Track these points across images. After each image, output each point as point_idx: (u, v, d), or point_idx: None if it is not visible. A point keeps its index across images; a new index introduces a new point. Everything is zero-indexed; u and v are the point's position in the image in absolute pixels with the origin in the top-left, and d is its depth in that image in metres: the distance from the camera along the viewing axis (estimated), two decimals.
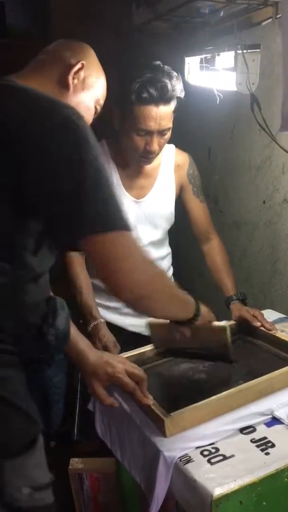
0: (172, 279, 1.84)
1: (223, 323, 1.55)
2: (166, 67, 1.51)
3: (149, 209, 1.70)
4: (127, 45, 2.34)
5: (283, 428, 1.14)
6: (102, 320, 1.60)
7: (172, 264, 1.86)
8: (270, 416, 1.17)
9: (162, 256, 1.79)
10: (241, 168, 2.14)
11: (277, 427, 1.14)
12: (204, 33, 2.07)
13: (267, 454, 1.06)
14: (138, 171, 1.67)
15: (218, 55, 1.68)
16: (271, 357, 1.41)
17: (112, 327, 1.65)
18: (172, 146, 1.74)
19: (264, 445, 1.08)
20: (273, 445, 1.08)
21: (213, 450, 1.08)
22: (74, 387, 1.65)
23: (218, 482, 0.99)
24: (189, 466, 1.04)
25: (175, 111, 1.54)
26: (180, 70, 1.64)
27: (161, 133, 1.53)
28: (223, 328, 1.35)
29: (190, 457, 1.07)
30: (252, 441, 1.10)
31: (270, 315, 1.67)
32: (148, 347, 1.48)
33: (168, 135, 1.57)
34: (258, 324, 1.52)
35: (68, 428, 1.67)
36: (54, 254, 1.04)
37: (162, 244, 1.79)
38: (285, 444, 1.08)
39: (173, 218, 1.77)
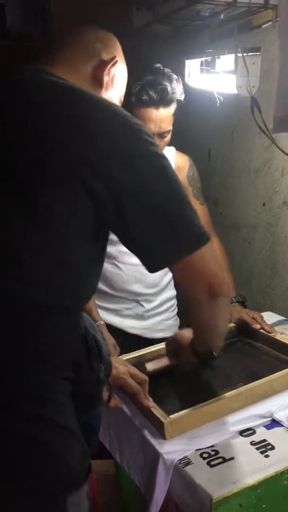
0: (172, 281, 1.84)
1: None
2: (166, 69, 1.51)
3: None
4: (127, 48, 2.34)
5: (282, 430, 1.14)
6: (102, 322, 1.60)
7: None
8: (270, 419, 1.17)
9: None
10: (241, 171, 2.14)
11: (277, 429, 1.14)
12: (205, 36, 2.07)
13: (266, 456, 1.06)
14: None
15: (219, 58, 1.68)
16: (270, 360, 1.41)
17: (112, 329, 1.65)
18: (172, 148, 1.74)
19: (264, 447, 1.08)
20: (272, 448, 1.08)
21: (212, 453, 1.08)
22: None
23: (217, 484, 0.99)
24: (188, 469, 1.04)
25: (175, 114, 1.55)
26: (180, 73, 1.65)
27: (161, 135, 1.53)
28: None
29: (189, 459, 1.07)
30: (252, 443, 1.10)
31: (269, 317, 1.67)
32: (147, 350, 1.48)
33: (168, 137, 1.57)
34: (258, 326, 1.52)
35: None
36: None
37: None
38: (285, 446, 1.08)
39: None
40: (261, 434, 1.13)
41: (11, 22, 2.76)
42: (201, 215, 1.77)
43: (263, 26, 1.85)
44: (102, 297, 1.65)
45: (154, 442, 1.12)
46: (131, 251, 0.94)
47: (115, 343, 1.58)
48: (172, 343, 1.35)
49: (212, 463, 1.05)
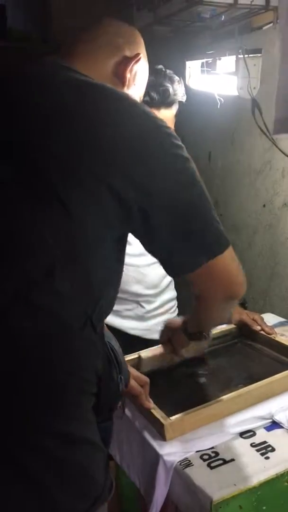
0: (173, 282, 1.84)
1: (223, 326, 1.55)
2: (168, 71, 1.51)
3: None
4: None
5: (283, 432, 1.13)
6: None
7: None
8: (270, 420, 1.17)
9: None
10: (242, 172, 2.14)
11: (277, 431, 1.14)
12: (205, 37, 2.08)
13: (267, 458, 1.06)
14: None
15: (219, 59, 1.68)
16: (271, 361, 1.41)
17: (112, 330, 1.64)
18: None
19: (264, 449, 1.08)
20: (273, 449, 1.08)
21: (213, 454, 1.08)
22: None
23: (217, 486, 0.99)
24: (188, 470, 1.04)
25: (177, 115, 1.54)
26: (181, 74, 1.65)
27: None
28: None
29: (189, 461, 1.06)
30: (252, 445, 1.10)
31: (270, 319, 1.67)
32: (148, 351, 1.47)
33: None
34: (258, 328, 1.52)
35: None
36: None
37: None
38: (285, 448, 1.08)
39: None
40: (261, 435, 1.13)
41: (12, 23, 2.76)
42: None
43: (264, 28, 1.85)
44: None
45: (154, 443, 1.12)
46: (155, 256, 0.91)
47: None
48: (164, 329, 1.35)
49: (212, 464, 1.05)
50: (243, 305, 1.65)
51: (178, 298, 1.88)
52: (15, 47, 2.61)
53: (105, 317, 0.91)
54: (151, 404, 1.18)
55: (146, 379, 1.20)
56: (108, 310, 0.92)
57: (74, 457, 0.83)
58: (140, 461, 1.17)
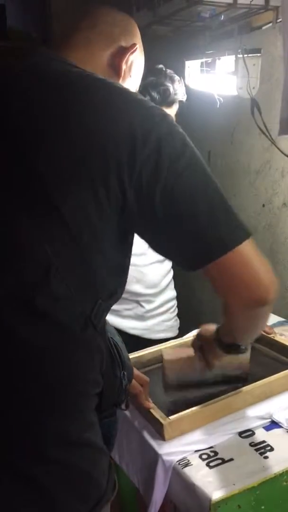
0: (173, 282, 1.85)
1: None
2: (168, 70, 1.52)
3: None
4: None
5: (282, 432, 1.14)
6: None
7: (172, 267, 1.86)
8: (269, 420, 1.17)
9: (161, 259, 1.79)
10: (241, 172, 2.14)
11: (276, 431, 1.14)
12: (205, 37, 2.08)
13: (266, 458, 1.06)
14: None
15: (219, 59, 1.68)
16: (270, 361, 1.41)
17: None
18: None
19: (263, 448, 1.08)
20: (272, 449, 1.08)
21: (211, 454, 1.08)
22: None
23: (216, 486, 0.99)
24: (187, 470, 1.04)
25: (177, 115, 1.55)
26: (181, 74, 1.65)
27: None
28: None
29: (188, 460, 1.07)
30: (251, 444, 1.10)
31: (269, 318, 1.67)
32: (147, 350, 1.48)
33: None
34: None
35: None
36: None
37: None
38: (284, 448, 1.08)
39: None
40: (260, 435, 1.13)
41: (11, 22, 2.76)
42: None
43: (264, 27, 1.85)
44: None
45: (153, 443, 1.12)
46: (162, 253, 0.89)
47: None
48: (196, 337, 1.24)
49: (211, 464, 1.05)
50: None
51: (178, 297, 1.88)
52: (15, 46, 2.61)
53: (106, 315, 0.89)
54: (150, 403, 1.18)
55: (146, 379, 1.20)
56: (109, 306, 0.90)
57: (76, 460, 0.82)
58: (139, 461, 1.17)
